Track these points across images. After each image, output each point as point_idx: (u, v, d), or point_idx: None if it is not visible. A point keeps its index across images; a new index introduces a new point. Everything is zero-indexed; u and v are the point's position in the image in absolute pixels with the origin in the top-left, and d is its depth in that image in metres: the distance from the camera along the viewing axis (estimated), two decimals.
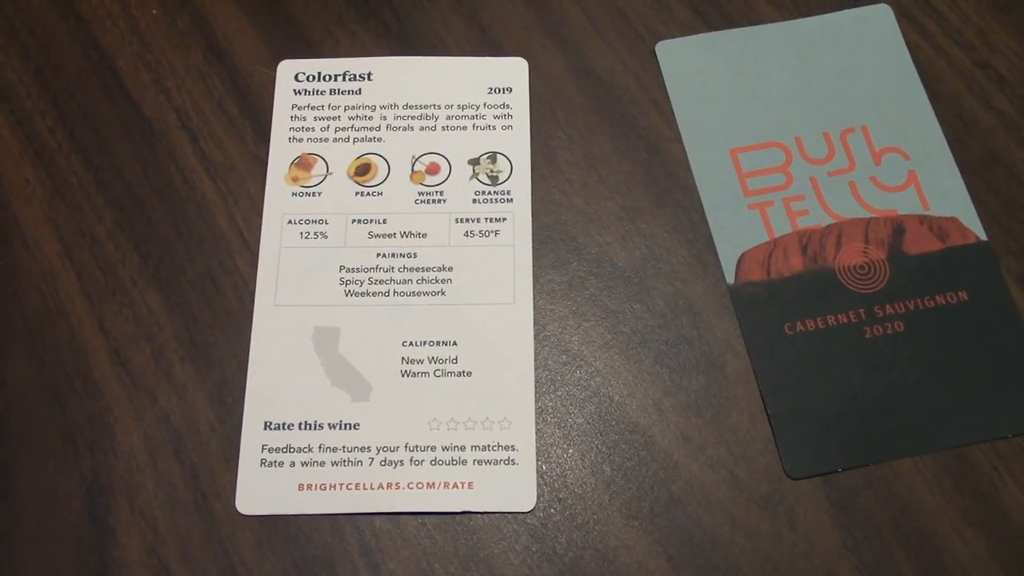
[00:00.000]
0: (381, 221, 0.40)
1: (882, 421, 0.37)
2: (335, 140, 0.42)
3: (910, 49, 0.44)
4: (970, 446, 0.37)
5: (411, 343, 0.38)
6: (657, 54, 0.44)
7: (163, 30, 0.44)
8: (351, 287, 0.39)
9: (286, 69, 0.43)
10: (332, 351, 0.38)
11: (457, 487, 0.36)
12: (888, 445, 0.37)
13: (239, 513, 0.36)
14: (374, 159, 0.42)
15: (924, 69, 0.44)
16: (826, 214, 0.41)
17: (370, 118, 0.42)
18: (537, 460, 0.37)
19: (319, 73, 0.43)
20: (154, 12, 0.45)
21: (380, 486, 0.36)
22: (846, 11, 0.45)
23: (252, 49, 0.44)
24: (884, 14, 0.45)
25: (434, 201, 0.41)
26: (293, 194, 0.41)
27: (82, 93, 0.43)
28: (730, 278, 0.40)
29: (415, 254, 0.40)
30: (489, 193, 0.41)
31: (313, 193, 0.41)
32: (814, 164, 0.42)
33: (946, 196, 0.41)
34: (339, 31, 0.44)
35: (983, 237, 0.40)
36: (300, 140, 0.42)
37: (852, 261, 0.40)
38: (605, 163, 0.42)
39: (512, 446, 0.37)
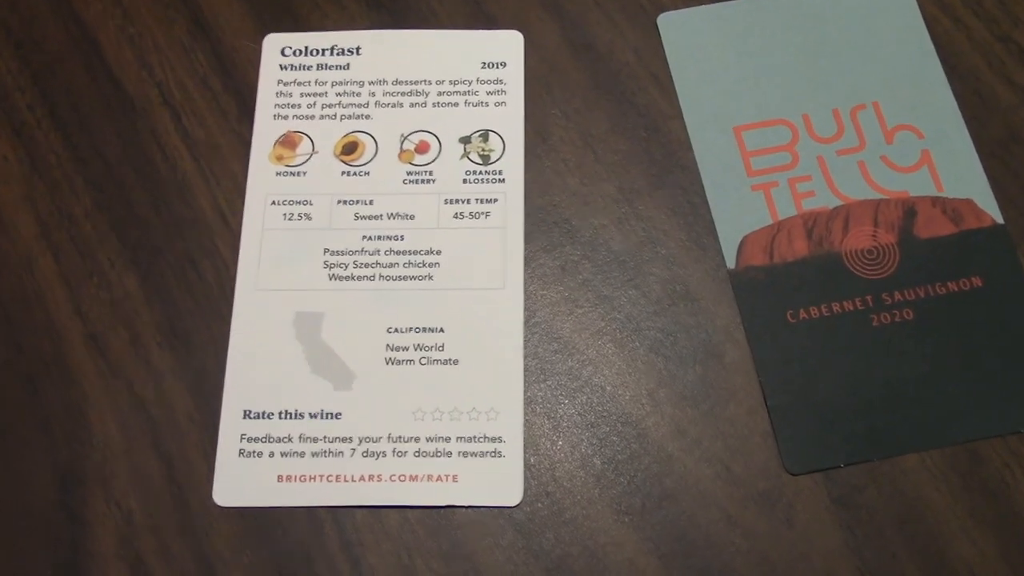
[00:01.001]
0: (368, 202, 0.39)
1: (888, 414, 0.35)
2: (321, 117, 0.40)
3: (926, 21, 0.42)
4: (981, 441, 0.35)
5: (396, 329, 0.37)
6: (659, 27, 0.42)
7: (146, 3, 0.43)
8: (335, 271, 0.38)
9: (272, 43, 0.42)
10: (314, 337, 0.37)
11: (441, 480, 0.35)
12: (894, 439, 0.35)
13: (216, 505, 0.35)
14: (361, 137, 0.40)
15: (941, 42, 0.42)
16: (833, 196, 0.39)
17: (358, 94, 0.41)
18: (525, 452, 0.35)
19: (306, 47, 0.42)
20: None
21: (362, 478, 0.35)
22: None
23: (238, 23, 0.42)
24: None
25: (423, 181, 0.39)
26: (277, 174, 0.39)
27: (63, 69, 0.42)
28: (731, 263, 0.38)
29: (402, 236, 0.38)
30: (480, 173, 0.39)
31: (298, 173, 0.39)
32: (822, 143, 0.40)
33: (961, 177, 0.39)
34: (327, 4, 0.43)
35: (999, 220, 0.38)
36: (285, 117, 0.40)
37: (860, 245, 0.38)
38: (602, 141, 0.40)
39: (499, 438, 0.35)
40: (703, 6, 0.42)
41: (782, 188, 0.39)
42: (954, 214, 0.38)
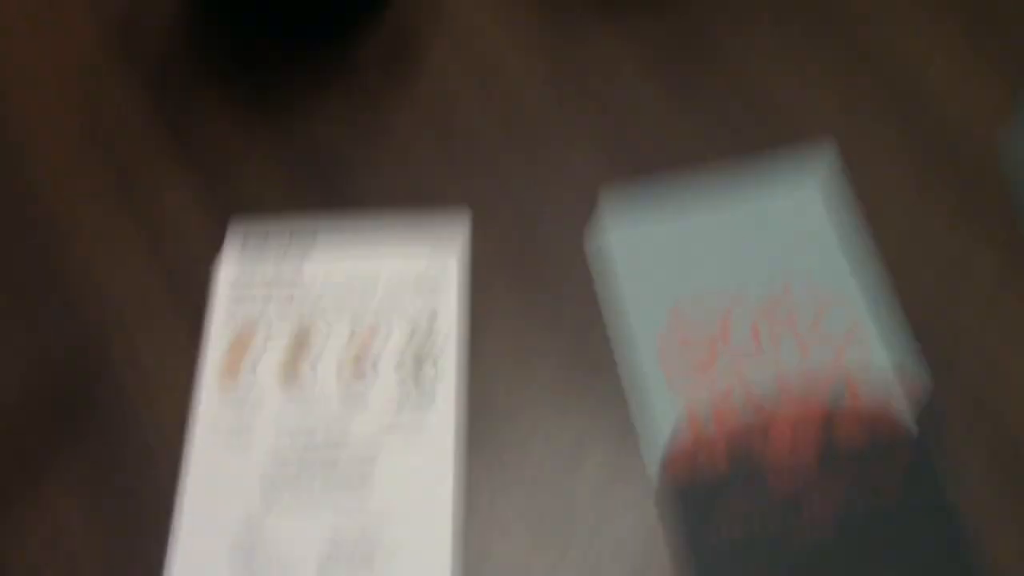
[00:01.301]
0: (307, 416, 0.40)
1: None
2: (273, 312, 0.42)
3: (848, 200, 0.44)
4: None
5: (330, 556, 0.38)
6: (597, 229, 0.44)
7: (112, 211, 0.45)
8: (273, 494, 0.39)
9: (228, 241, 0.44)
10: (250, 564, 0.38)
11: None
12: None
13: None
14: (305, 347, 0.42)
15: (863, 220, 0.44)
16: (754, 403, 0.40)
17: (304, 303, 0.42)
18: None
19: (261, 243, 0.44)
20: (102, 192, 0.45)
21: None
22: (782, 163, 0.45)
23: (197, 235, 0.44)
24: (820, 165, 0.45)
25: (362, 392, 0.41)
26: (221, 392, 0.41)
27: (30, 286, 0.43)
28: (655, 478, 0.39)
29: (340, 451, 0.39)
30: (419, 377, 0.41)
31: (241, 391, 0.41)
32: (741, 350, 0.41)
33: (882, 374, 0.41)
34: (285, 206, 0.45)
35: (918, 425, 0.40)
36: (234, 326, 0.42)
37: (780, 457, 0.39)
38: (541, 331, 0.42)
39: None
40: (639, 204, 0.45)
41: (704, 398, 0.41)
42: (873, 418, 0.40)
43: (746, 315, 0.42)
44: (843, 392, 0.40)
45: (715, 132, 0.46)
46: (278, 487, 0.39)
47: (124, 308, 0.43)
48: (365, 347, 0.41)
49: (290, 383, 0.41)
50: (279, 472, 0.39)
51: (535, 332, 0.42)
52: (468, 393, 0.41)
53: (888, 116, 0.46)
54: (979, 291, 0.42)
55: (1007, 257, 0.43)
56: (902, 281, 0.43)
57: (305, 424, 0.40)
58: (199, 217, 0.45)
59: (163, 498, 0.39)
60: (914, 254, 0.43)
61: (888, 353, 0.41)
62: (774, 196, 0.45)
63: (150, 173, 0.46)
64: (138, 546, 0.38)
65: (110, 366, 0.42)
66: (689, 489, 0.39)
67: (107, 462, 0.40)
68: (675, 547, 0.38)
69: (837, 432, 0.40)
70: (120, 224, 0.45)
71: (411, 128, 0.47)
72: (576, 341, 0.42)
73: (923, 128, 0.46)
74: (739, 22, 0.50)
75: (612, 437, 0.40)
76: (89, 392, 0.41)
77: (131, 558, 0.38)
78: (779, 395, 0.41)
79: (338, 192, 0.45)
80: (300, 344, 0.41)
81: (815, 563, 0.37)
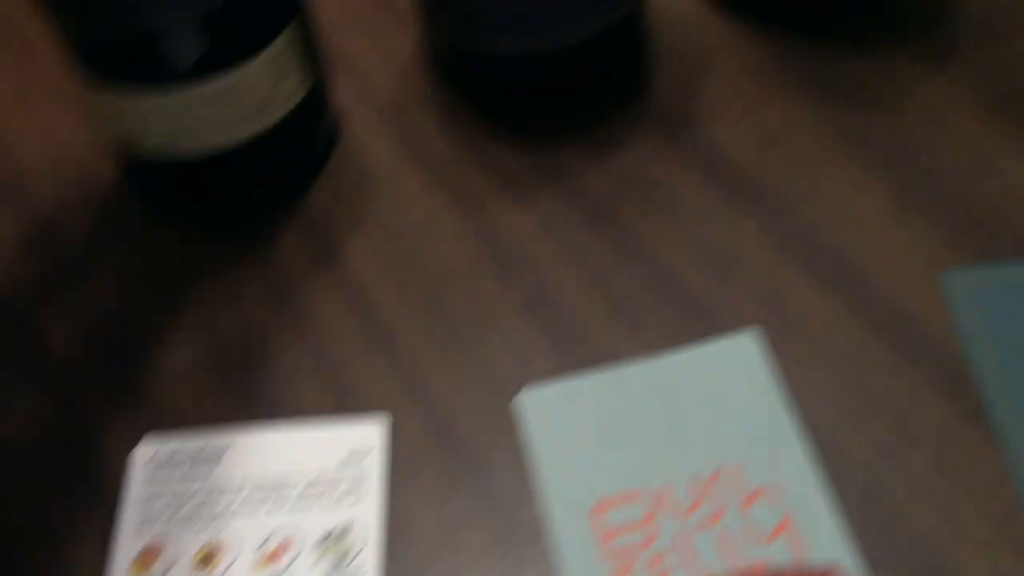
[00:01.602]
0: None
1: None
2: (181, 527, 0.41)
3: (778, 379, 0.43)
4: None
5: None
6: (517, 408, 0.43)
7: (28, 418, 0.45)
8: None
9: (142, 450, 0.43)
10: None
11: None
12: None
13: None
14: (219, 546, 0.40)
15: (794, 399, 0.42)
16: (694, 574, 0.38)
17: (219, 501, 0.41)
18: None
19: (173, 454, 0.43)
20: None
21: None
22: (710, 345, 0.44)
23: (116, 427, 0.44)
24: (749, 344, 0.44)
25: None
26: None
27: None
28: None
29: None
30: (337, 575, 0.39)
31: None
32: (678, 517, 0.40)
33: (824, 541, 0.39)
34: (196, 408, 0.44)
35: None
36: (147, 528, 0.41)
37: None
38: (462, 531, 0.40)
39: None
40: (560, 382, 0.44)
41: (639, 569, 0.38)
42: None
43: (680, 494, 0.41)
44: (790, 554, 0.38)
45: (640, 323, 0.45)
46: None
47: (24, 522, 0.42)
48: (278, 554, 0.40)
49: (204, 571, 0.39)
50: None
51: (459, 528, 0.40)
52: None
53: (817, 294, 0.46)
54: (918, 467, 0.41)
55: (947, 435, 0.42)
56: (837, 463, 0.41)
57: None
58: (109, 431, 0.44)
59: None
60: (849, 434, 0.42)
61: (824, 544, 0.39)
62: (702, 382, 0.44)
63: (60, 390, 0.46)
64: None
65: (21, 544, 0.40)
66: None
67: None
68: None
69: None
70: (33, 428, 0.45)
71: (327, 328, 0.46)
72: (501, 535, 0.40)
73: (855, 303, 0.45)
74: (650, 204, 0.51)
75: None
76: None
77: None
78: (721, 559, 0.38)
79: (251, 398, 0.44)
80: (209, 560, 0.40)
81: None
